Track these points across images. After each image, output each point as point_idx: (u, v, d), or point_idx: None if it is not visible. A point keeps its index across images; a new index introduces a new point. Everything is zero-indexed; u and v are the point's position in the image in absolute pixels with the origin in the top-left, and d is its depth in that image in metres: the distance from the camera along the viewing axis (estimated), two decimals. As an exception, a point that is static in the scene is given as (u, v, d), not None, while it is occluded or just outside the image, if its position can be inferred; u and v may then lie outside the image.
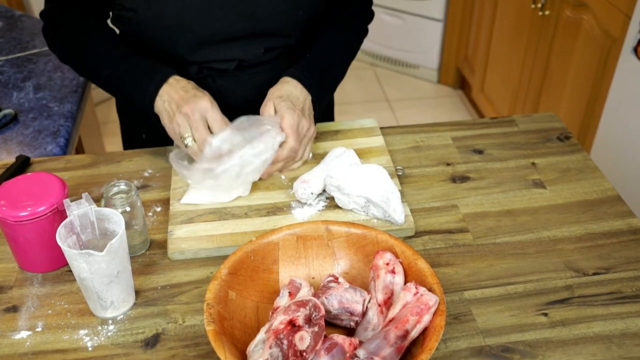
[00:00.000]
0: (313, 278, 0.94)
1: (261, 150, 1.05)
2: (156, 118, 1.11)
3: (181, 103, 1.06)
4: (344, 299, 0.86)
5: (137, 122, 1.32)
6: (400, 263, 0.90)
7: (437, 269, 0.99)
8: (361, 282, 0.93)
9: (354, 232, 0.94)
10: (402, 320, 0.80)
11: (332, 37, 1.23)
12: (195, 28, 1.13)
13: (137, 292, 0.96)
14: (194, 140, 1.06)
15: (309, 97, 1.14)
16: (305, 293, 0.86)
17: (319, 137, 1.26)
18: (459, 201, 1.12)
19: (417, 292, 0.83)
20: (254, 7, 1.13)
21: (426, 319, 0.81)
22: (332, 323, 0.88)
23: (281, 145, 1.09)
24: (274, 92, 1.12)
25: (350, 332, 0.88)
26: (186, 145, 1.06)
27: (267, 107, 1.11)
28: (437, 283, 0.85)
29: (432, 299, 0.82)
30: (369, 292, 0.89)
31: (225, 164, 1.03)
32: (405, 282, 0.88)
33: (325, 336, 0.83)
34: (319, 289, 0.89)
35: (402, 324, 0.80)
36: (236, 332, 0.84)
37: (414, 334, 0.80)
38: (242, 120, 1.07)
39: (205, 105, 1.06)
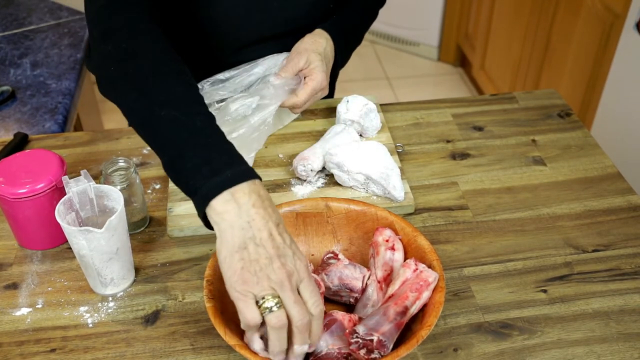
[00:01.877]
0: (312, 255, 0.94)
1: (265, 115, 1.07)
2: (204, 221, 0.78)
3: (273, 253, 0.72)
4: (344, 275, 0.86)
5: None
6: (400, 240, 0.90)
7: (437, 246, 0.99)
8: (361, 259, 0.93)
9: (353, 209, 0.94)
10: (401, 297, 0.80)
11: (357, 1, 1.22)
12: (235, 32, 1.12)
13: (137, 269, 0.96)
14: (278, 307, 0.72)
15: (333, 58, 1.14)
16: None
17: (319, 114, 1.26)
18: (458, 178, 1.12)
19: (417, 269, 0.83)
20: (293, 9, 1.13)
21: (425, 295, 0.81)
22: (331, 299, 0.89)
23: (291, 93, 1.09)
24: (312, 45, 1.10)
25: (349, 308, 0.88)
26: (268, 309, 0.71)
27: (300, 58, 1.08)
28: (436, 260, 0.85)
29: (431, 276, 0.82)
30: (368, 268, 0.89)
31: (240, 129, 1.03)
32: (405, 259, 0.88)
33: (325, 312, 0.83)
34: (319, 266, 0.89)
35: (401, 300, 0.80)
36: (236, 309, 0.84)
37: (414, 310, 0.80)
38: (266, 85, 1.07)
39: (303, 272, 0.74)
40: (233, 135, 1.04)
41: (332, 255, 0.89)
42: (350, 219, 0.94)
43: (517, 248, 0.99)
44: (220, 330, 0.77)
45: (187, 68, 0.88)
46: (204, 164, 0.76)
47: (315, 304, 0.72)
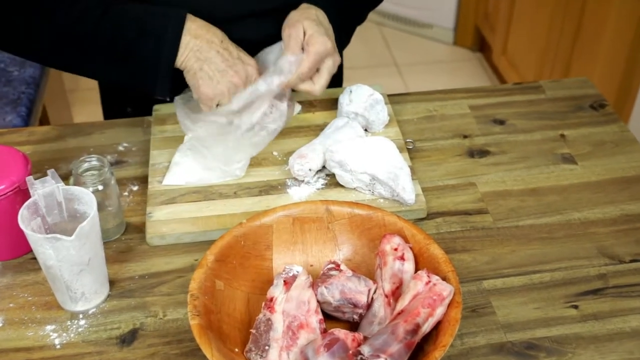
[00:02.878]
0: (311, 265, 0.94)
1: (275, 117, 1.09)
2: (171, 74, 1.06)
3: (225, 67, 1.04)
4: (347, 288, 0.86)
5: (121, 92, 1.31)
6: (410, 248, 0.90)
7: (452, 256, 0.99)
8: (366, 270, 0.93)
9: (357, 214, 0.94)
10: (412, 313, 0.80)
11: None
12: (203, 9, 1.12)
13: (112, 282, 0.96)
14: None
15: (332, 29, 1.12)
16: (302, 282, 0.87)
17: (317, 105, 1.26)
18: (477, 178, 1.12)
19: (430, 281, 0.83)
20: None
21: (439, 311, 0.81)
22: (333, 316, 0.89)
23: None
24: (302, 15, 1.09)
25: (353, 326, 0.88)
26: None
27: (296, 30, 1.07)
28: (452, 271, 0.85)
29: (446, 289, 0.82)
30: (374, 281, 0.89)
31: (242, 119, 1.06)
32: (416, 270, 0.88)
33: (325, 330, 0.83)
34: (318, 278, 0.89)
35: (412, 317, 0.80)
36: (224, 327, 0.84)
37: (426, 328, 0.80)
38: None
39: (255, 74, 1.06)
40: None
41: (333, 265, 0.89)
42: (354, 225, 0.94)
43: (543, 258, 0.99)
44: (207, 351, 0.77)
45: None
46: (141, 34, 1.02)
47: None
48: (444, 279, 0.84)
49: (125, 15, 1.04)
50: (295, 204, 0.95)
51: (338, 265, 0.89)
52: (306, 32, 1.07)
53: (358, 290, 0.87)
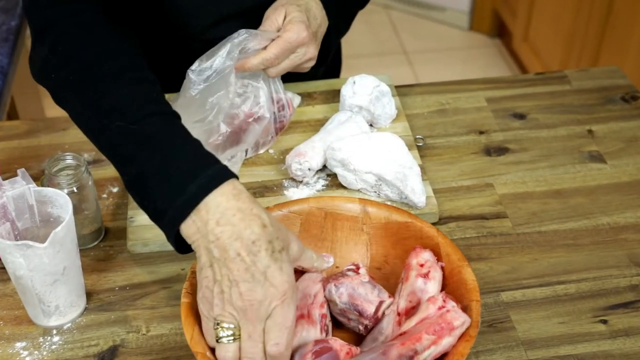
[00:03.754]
0: (337, 267, 0.95)
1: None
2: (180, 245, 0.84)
3: (238, 276, 0.76)
4: (356, 293, 0.87)
5: None
6: (441, 268, 0.89)
7: (467, 265, 1.00)
8: (395, 283, 0.92)
9: (395, 220, 0.94)
10: (412, 337, 0.79)
11: None
12: (211, 6, 1.15)
13: (89, 294, 0.96)
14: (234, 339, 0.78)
15: (326, 23, 1.14)
16: (313, 276, 0.89)
17: (317, 98, 1.26)
18: (494, 179, 1.13)
19: (444, 307, 0.82)
20: None
21: (446, 342, 0.79)
22: (338, 321, 0.89)
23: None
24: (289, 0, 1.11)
25: (360, 339, 0.89)
26: (219, 338, 0.78)
27: (277, 13, 1.09)
28: (476, 301, 0.84)
29: (458, 319, 0.80)
30: (392, 295, 0.89)
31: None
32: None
33: (329, 329, 0.85)
34: (332, 276, 0.90)
35: (411, 341, 0.79)
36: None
37: (426, 357, 0.79)
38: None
39: (276, 301, 0.77)
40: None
41: (353, 267, 0.90)
42: (390, 232, 0.95)
43: (568, 267, 0.99)
44: (188, 332, 0.79)
45: (137, 60, 0.95)
46: (163, 181, 0.82)
47: (275, 342, 0.77)
48: (465, 308, 0.83)
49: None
50: (330, 198, 0.96)
51: (358, 268, 0.90)
52: (286, 17, 1.09)
53: (368, 298, 0.87)
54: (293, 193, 1.08)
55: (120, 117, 0.87)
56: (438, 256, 0.90)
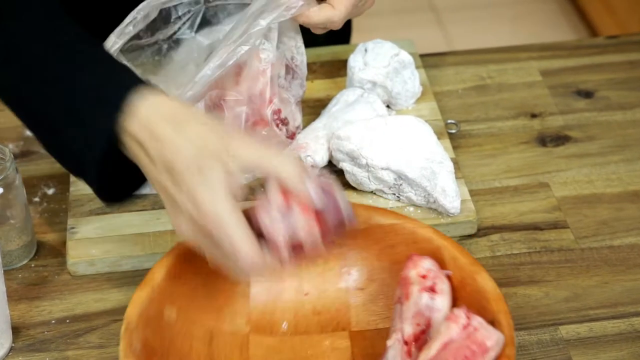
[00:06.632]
0: (306, 294, 0.94)
1: None
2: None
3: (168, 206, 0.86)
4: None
5: None
6: (449, 278, 0.89)
7: (514, 289, 0.98)
8: (384, 305, 0.92)
9: (377, 223, 0.93)
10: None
11: None
12: None
13: (16, 330, 0.94)
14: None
15: None
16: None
17: (317, 71, 1.24)
18: (551, 177, 1.12)
19: (469, 324, 0.81)
20: None
21: None
22: None
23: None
24: None
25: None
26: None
27: None
28: (504, 312, 0.83)
29: (491, 337, 0.80)
30: (391, 318, 0.88)
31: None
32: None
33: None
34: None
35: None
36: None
37: None
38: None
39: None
40: None
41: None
42: (372, 239, 0.94)
43: (649, 293, 0.96)
44: None
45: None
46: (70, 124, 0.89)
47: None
48: (492, 322, 0.82)
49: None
50: None
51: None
52: None
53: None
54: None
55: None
56: (441, 263, 0.90)
